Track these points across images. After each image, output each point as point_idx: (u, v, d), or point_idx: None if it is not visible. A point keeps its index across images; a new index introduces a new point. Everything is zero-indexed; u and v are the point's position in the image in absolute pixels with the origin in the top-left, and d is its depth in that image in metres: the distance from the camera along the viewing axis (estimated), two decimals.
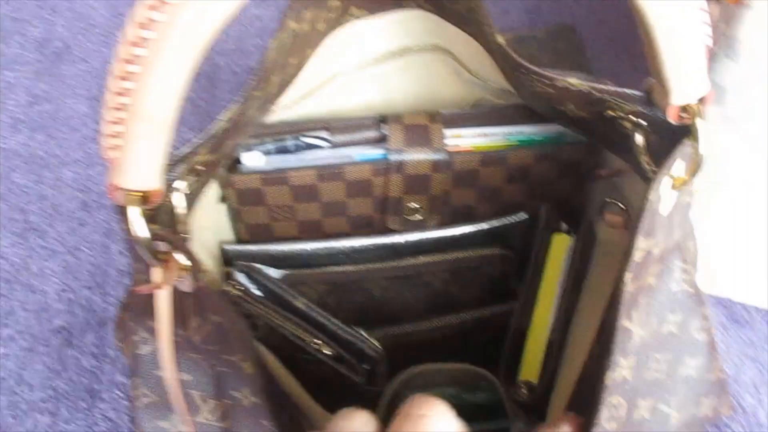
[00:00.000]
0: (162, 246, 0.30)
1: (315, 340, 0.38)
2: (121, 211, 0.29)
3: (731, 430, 0.51)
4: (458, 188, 0.46)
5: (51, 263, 0.58)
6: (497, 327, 0.46)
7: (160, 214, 0.32)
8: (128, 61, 0.24)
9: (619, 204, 0.43)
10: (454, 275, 0.47)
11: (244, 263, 0.40)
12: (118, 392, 0.53)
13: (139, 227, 0.29)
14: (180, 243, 0.30)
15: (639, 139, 0.36)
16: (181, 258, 0.31)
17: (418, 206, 0.46)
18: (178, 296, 0.33)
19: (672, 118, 0.33)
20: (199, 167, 0.34)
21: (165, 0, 0.22)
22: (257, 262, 0.45)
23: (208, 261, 0.44)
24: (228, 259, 0.46)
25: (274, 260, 0.46)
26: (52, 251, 0.59)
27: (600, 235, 0.43)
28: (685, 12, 0.29)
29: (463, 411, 0.43)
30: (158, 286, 0.31)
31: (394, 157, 0.42)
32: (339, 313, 0.46)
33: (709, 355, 0.45)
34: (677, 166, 0.35)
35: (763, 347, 0.54)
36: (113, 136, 0.26)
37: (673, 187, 0.35)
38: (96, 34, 0.71)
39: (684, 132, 0.33)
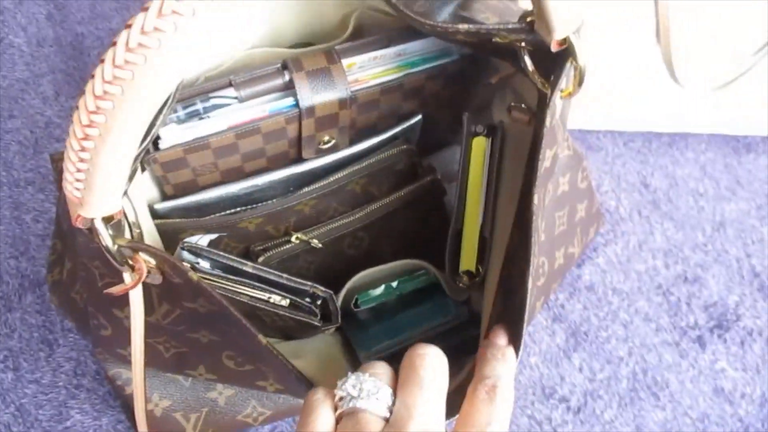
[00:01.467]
0: (127, 251, 0.33)
1: (271, 297, 0.42)
2: (87, 231, 0.32)
3: (602, 229, 0.63)
4: (363, 115, 0.50)
5: None
6: (413, 206, 0.52)
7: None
8: (88, 126, 0.25)
9: (521, 105, 0.48)
10: (370, 178, 0.52)
11: (186, 243, 0.42)
12: (73, 336, 0.57)
13: (107, 242, 0.32)
14: (142, 245, 0.33)
15: (528, 61, 0.41)
16: (147, 257, 0.34)
17: (328, 138, 0.49)
18: (145, 289, 0.37)
19: (554, 48, 0.38)
20: (138, 164, 0.36)
21: (118, 75, 0.24)
22: (188, 215, 0.48)
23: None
24: (158, 217, 0.48)
25: (204, 208, 0.49)
26: None
27: (509, 131, 0.48)
28: None
29: (408, 297, 0.50)
30: (130, 287, 0.34)
31: (304, 104, 0.45)
32: (277, 234, 0.51)
33: (591, 195, 0.54)
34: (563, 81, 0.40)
35: (614, 162, 0.67)
36: (77, 181, 0.28)
37: (562, 97, 0.41)
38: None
39: (565, 54, 0.39)
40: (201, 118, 0.45)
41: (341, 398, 0.33)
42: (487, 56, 0.48)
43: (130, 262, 0.34)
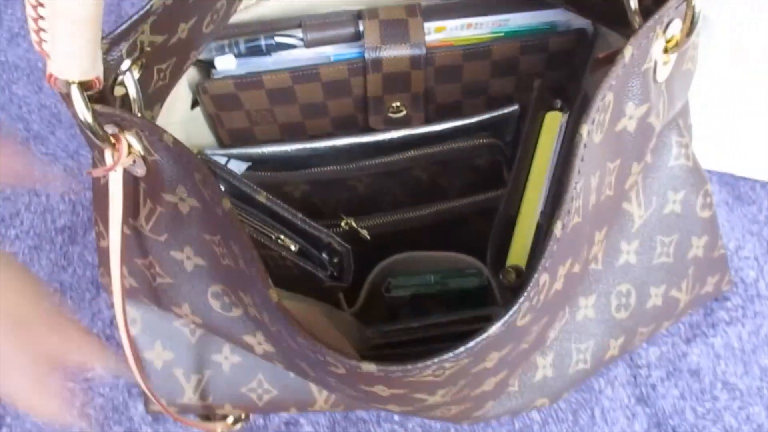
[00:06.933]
0: (110, 128, 0.30)
1: (280, 236, 0.37)
2: (65, 97, 0.29)
3: (730, 303, 0.50)
4: (442, 84, 0.44)
5: (53, 168, 0.59)
6: (491, 215, 0.43)
7: (112, 97, 0.32)
8: None
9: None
10: (443, 167, 0.45)
11: (203, 154, 0.39)
12: None
13: (81, 111, 0.29)
14: (128, 124, 0.30)
15: (632, 1, 0.34)
16: (132, 140, 0.31)
17: (399, 104, 0.44)
18: (131, 182, 0.33)
19: None
20: (147, 48, 0.33)
21: None
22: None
23: None
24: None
25: (257, 163, 0.46)
26: (54, 156, 0.60)
27: None
28: None
29: (450, 296, 0.42)
30: (110, 168, 0.31)
31: (370, 55, 0.41)
32: (324, 209, 0.46)
33: (714, 233, 0.43)
34: (674, 26, 0.32)
35: (767, 223, 0.53)
36: (41, 31, 0.26)
37: (666, 49, 0.33)
38: None
39: None
40: (263, 55, 0.42)
41: None
42: (596, 19, 0.40)
43: (112, 140, 0.30)
